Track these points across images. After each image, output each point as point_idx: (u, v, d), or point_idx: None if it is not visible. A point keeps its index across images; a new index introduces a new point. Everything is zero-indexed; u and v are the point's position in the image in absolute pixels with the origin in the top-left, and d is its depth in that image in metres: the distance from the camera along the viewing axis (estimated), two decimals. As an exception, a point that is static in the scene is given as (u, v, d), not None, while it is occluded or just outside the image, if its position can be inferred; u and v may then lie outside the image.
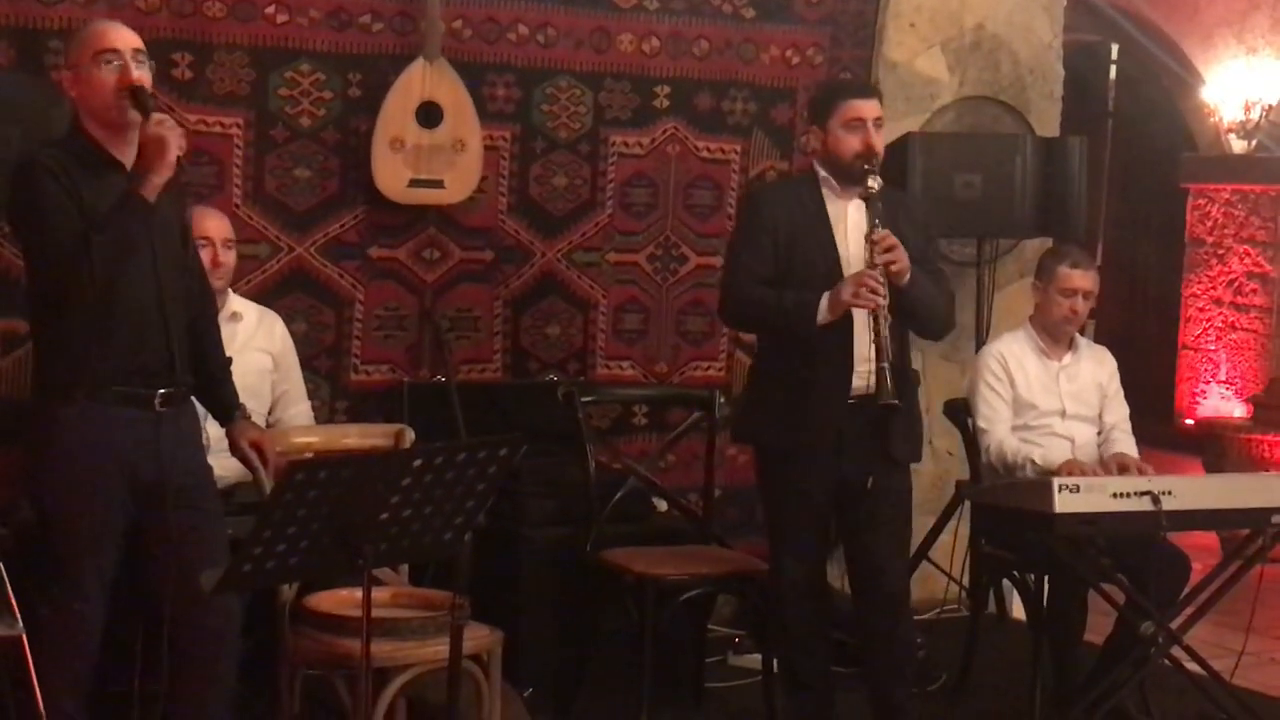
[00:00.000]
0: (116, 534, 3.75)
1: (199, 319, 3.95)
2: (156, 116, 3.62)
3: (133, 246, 3.62)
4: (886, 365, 4.25)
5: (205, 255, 4.34)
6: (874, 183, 4.31)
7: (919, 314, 4.44)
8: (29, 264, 3.82)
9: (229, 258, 4.67)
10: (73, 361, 3.70)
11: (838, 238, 4.43)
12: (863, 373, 4.36)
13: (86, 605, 3.73)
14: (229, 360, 4.06)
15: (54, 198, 3.62)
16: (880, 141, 4.44)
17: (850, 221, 4.43)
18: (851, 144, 4.38)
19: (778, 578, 4.60)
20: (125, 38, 3.74)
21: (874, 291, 4.23)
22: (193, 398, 3.92)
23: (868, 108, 4.41)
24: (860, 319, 4.35)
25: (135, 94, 3.65)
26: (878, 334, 4.26)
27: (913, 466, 4.67)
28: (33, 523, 3.92)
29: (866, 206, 4.33)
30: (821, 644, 4.63)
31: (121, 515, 3.75)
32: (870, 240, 4.28)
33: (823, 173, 4.48)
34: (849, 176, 4.39)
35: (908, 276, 4.31)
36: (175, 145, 3.59)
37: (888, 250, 4.26)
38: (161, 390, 3.74)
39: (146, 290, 3.70)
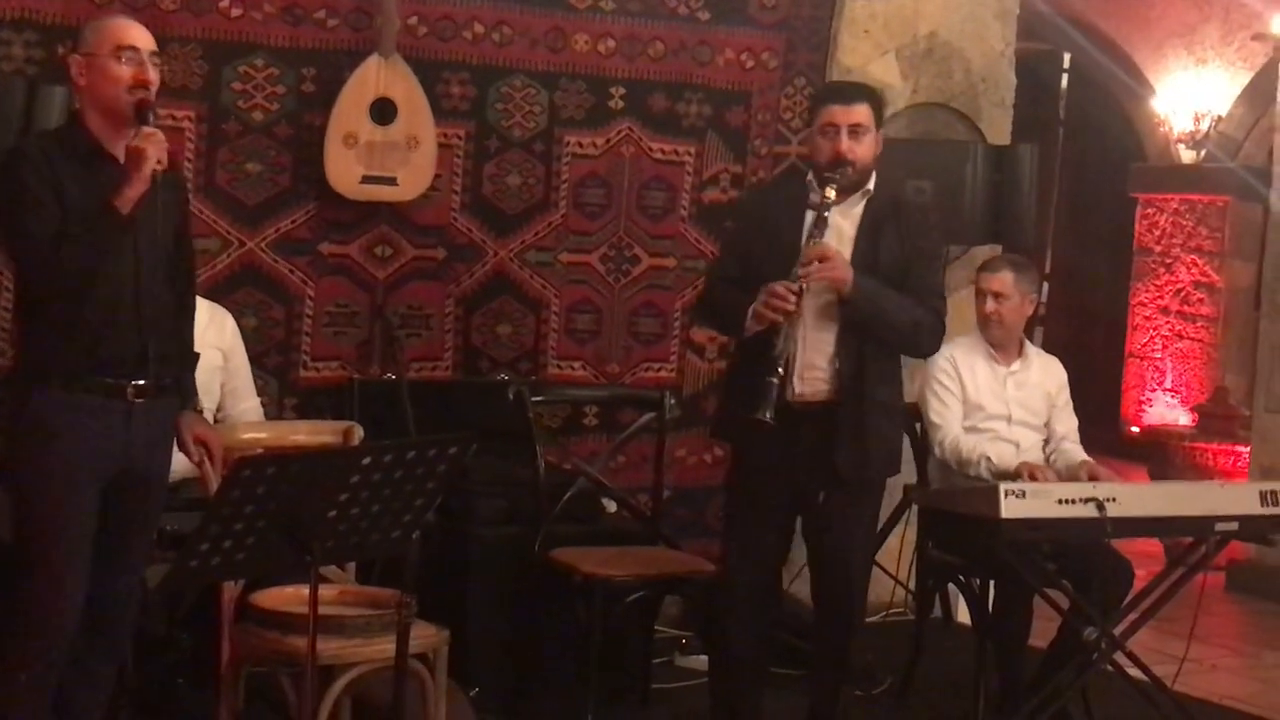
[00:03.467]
0: (87, 520, 3.74)
1: (177, 310, 3.94)
2: (145, 130, 3.64)
3: (102, 255, 3.63)
4: (775, 380, 4.17)
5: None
6: (829, 193, 4.26)
7: (871, 328, 4.33)
8: (8, 252, 3.86)
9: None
10: (49, 350, 3.72)
11: (803, 244, 4.33)
12: (809, 378, 4.33)
13: (61, 592, 3.71)
14: (196, 356, 4.06)
15: (32, 193, 3.63)
16: (862, 148, 4.33)
17: (830, 228, 4.31)
18: (824, 149, 4.35)
19: (726, 578, 4.57)
20: (145, 38, 3.78)
21: (780, 300, 4.17)
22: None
23: (844, 114, 4.33)
24: (810, 324, 4.31)
25: (139, 105, 3.67)
26: (773, 345, 4.19)
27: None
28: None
29: (814, 217, 4.29)
30: (760, 646, 4.57)
31: (92, 501, 3.75)
32: (804, 253, 4.23)
33: (809, 176, 4.45)
34: (820, 183, 4.33)
35: (847, 289, 4.26)
36: (153, 159, 3.60)
37: (812, 262, 4.20)
38: (136, 382, 3.74)
39: (124, 288, 3.71)
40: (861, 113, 4.35)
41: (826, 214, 4.26)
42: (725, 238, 4.58)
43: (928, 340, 4.52)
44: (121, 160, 3.68)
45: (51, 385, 3.71)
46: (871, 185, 4.44)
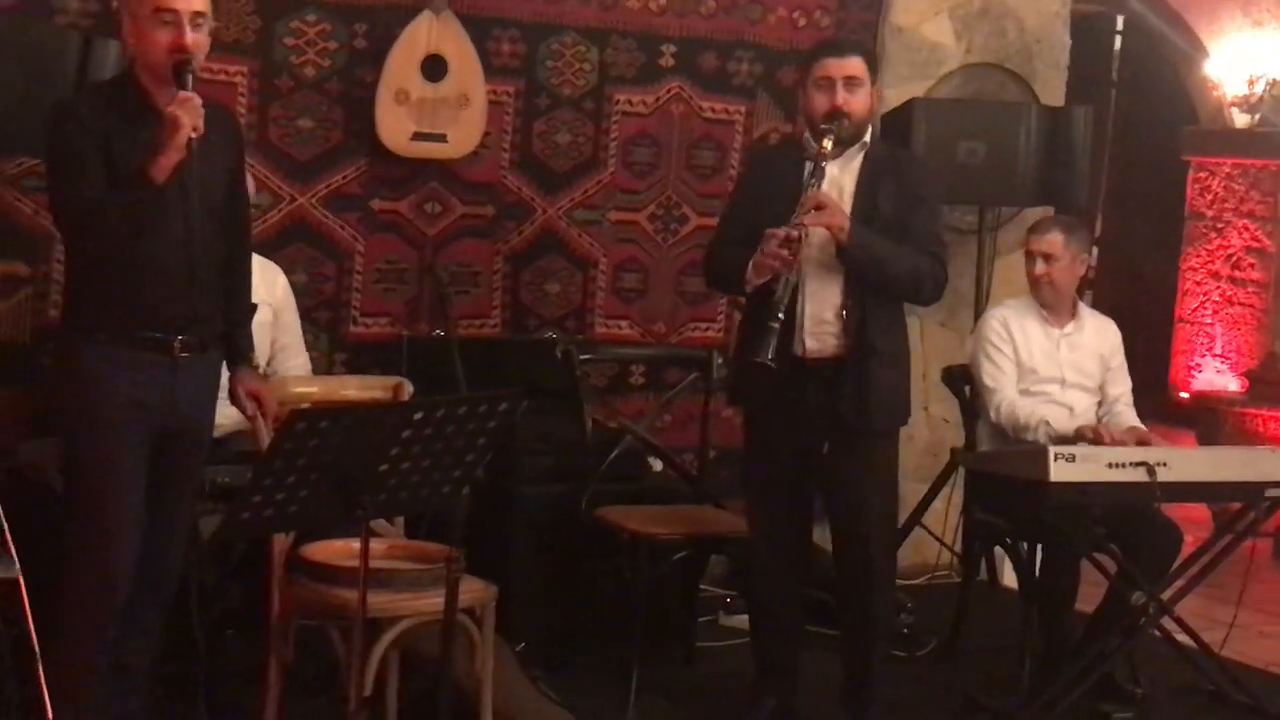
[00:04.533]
0: (136, 475, 3.75)
1: (231, 263, 3.93)
2: (181, 95, 3.59)
3: (141, 221, 3.61)
4: (775, 325, 4.18)
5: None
6: (826, 144, 4.27)
7: (871, 277, 4.33)
8: (54, 206, 3.81)
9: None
10: (96, 304, 3.72)
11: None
12: (818, 333, 4.34)
13: (114, 542, 3.72)
14: (253, 309, 4.06)
15: (77, 150, 3.62)
16: (857, 100, 4.34)
17: (827, 181, 4.33)
18: (820, 103, 4.35)
19: (751, 537, 4.63)
20: None
21: (781, 247, 4.19)
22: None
23: (838, 66, 4.34)
24: (814, 279, 4.32)
25: (177, 66, 3.63)
26: (778, 293, 4.21)
27: (906, 433, 4.64)
28: (36, 463, 3.94)
29: (811, 167, 4.30)
30: (792, 603, 4.62)
31: (139, 456, 3.76)
32: (800, 202, 4.26)
33: (805, 134, 4.46)
34: (817, 136, 4.35)
35: (844, 236, 4.25)
36: (188, 127, 3.55)
37: (812, 210, 4.22)
38: (181, 337, 3.74)
39: (175, 242, 3.68)
40: (855, 65, 4.37)
41: (824, 164, 4.28)
42: (729, 201, 4.60)
43: (930, 288, 4.50)
44: None
45: (98, 339, 3.71)
46: (869, 138, 4.46)
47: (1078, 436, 4.89)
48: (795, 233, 4.20)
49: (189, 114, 3.57)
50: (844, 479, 4.46)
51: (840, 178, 4.39)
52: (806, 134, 4.45)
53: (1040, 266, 5.13)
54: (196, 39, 3.68)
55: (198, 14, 3.70)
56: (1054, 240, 5.13)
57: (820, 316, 4.34)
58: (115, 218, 3.59)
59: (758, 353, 4.19)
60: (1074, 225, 5.31)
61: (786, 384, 4.33)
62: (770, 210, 4.35)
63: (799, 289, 4.31)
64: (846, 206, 4.34)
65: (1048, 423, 4.93)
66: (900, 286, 4.44)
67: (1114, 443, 4.87)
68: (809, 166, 4.35)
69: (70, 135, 3.63)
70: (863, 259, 4.30)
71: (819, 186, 4.27)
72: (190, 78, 3.63)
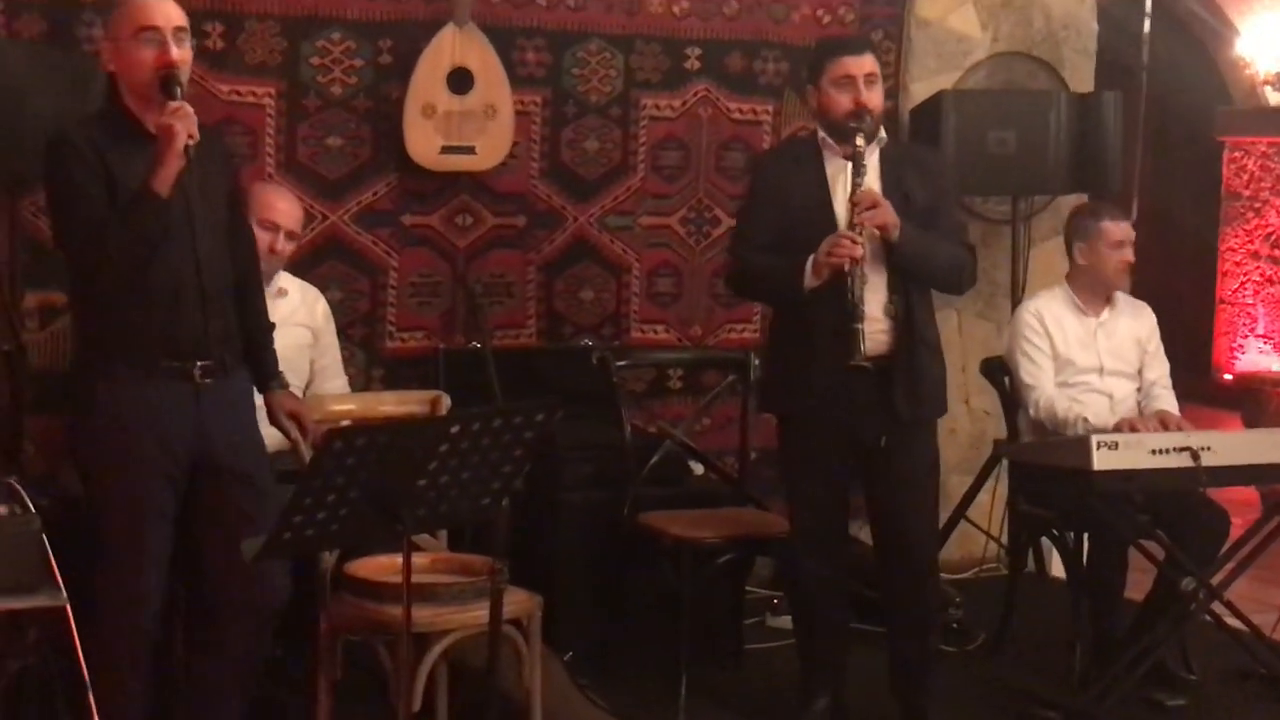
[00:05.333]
0: (165, 508, 3.73)
1: (243, 283, 3.92)
2: (171, 105, 3.57)
3: (150, 239, 3.59)
4: (860, 327, 4.21)
5: (264, 239, 4.32)
6: (860, 142, 4.29)
7: (919, 271, 4.40)
8: (55, 239, 3.81)
9: (288, 248, 4.65)
10: (110, 336, 3.69)
11: (835, 199, 4.39)
12: (871, 334, 4.33)
13: (139, 579, 3.70)
14: (272, 326, 4.05)
15: (79, 179, 3.60)
16: (875, 96, 4.38)
17: (847, 182, 4.36)
18: (842, 102, 4.36)
19: (794, 540, 4.63)
20: (167, 13, 3.69)
21: (848, 247, 4.21)
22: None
23: (857, 64, 4.36)
24: (868, 279, 4.31)
25: (164, 78, 3.62)
26: (852, 293, 4.22)
27: (949, 426, 4.65)
28: (77, 493, 3.94)
29: (852, 166, 4.31)
30: (838, 602, 4.63)
31: (168, 489, 3.73)
32: (851, 201, 4.27)
33: (821, 133, 4.46)
34: (841, 135, 4.36)
35: (896, 233, 4.28)
36: (183, 134, 3.54)
37: (868, 209, 4.24)
38: (201, 362, 3.72)
39: (184, 266, 3.67)
40: (872, 62, 4.42)
41: (863, 162, 4.30)
42: (743, 209, 4.61)
43: (968, 277, 4.60)
44: None
45: (116, 374, 3.68)
46: (883, 133, 4.48)
47: (1116, 431, 4.86)
48: (857, 233, 4.22)
49: (182, 122, 3.55)
50: (898, 471, 4.47)
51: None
52: (821, 134, 4.45)
53: (1130, 254, 5.12)
54: (181, 54, 3.67)
55: (179, 29, 3.70)
56: (1130, 226, 5.13)
57: (870, 315, 4.34)
58: (125, 237, 3.56)
59: (852, 356, 4.21)
60: None
61: (838, 384, 4.34)
62: (799, 211, 4.37)
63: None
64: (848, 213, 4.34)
65: (1086, 419, 4.90)
66: (944, 278, 4.51)
67: (1142, 430, 4.85)
68: (834, 167, 4.37)
69: (70, 165, 3.61)
70: (912, 254, 4.34)
71: (862, 183, 4.28)
72: (179, 89, 3.62)
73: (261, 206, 4.51)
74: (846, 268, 4.22)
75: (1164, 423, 4.92)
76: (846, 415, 4.40)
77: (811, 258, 4.27)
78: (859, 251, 4.22)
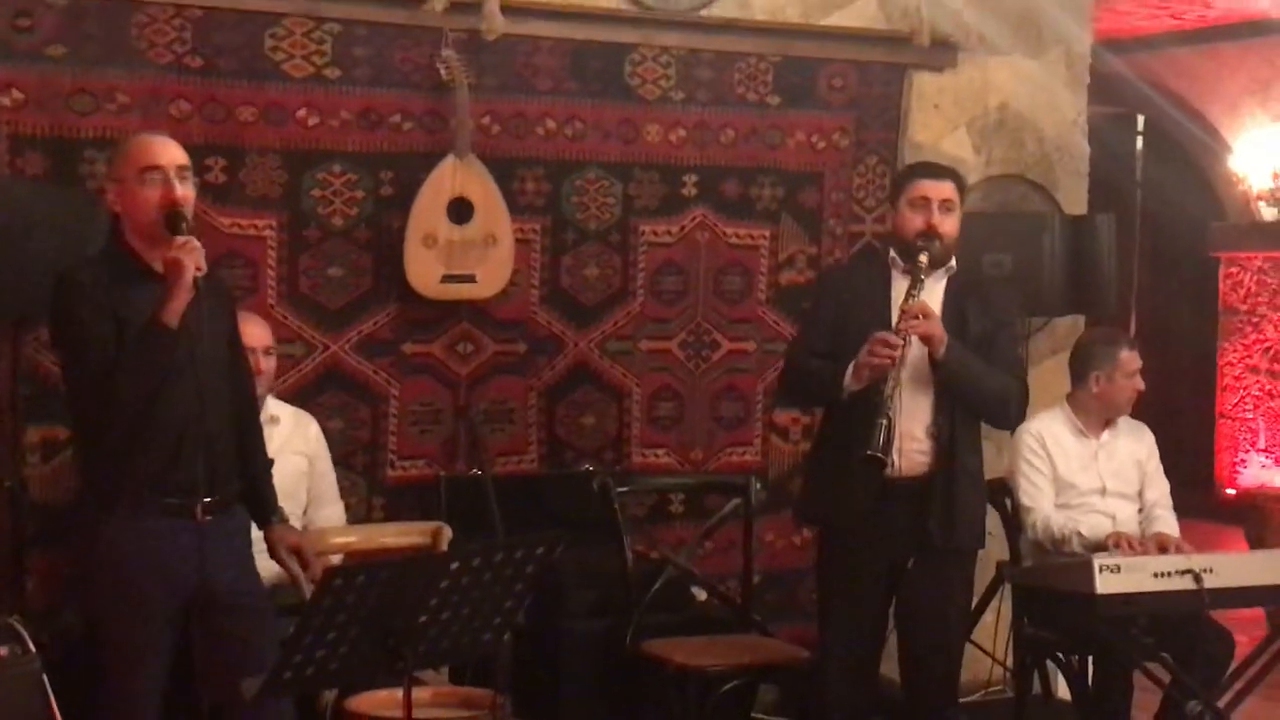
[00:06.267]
0: (164, 646, 3.74)
1: (243, 420, 3.95)
2: (178, 240, 3.62)
3: (159, 373, 3.63)
4: (884, 421, 4.22)
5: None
6: (923, 260, 4.35)
7: (963, 393, 4.42)
8: (65, 378, 3.84)
9: (269, 365, 4.71)
10: (114, 473, 3.71)
11: (894, 314, 4.42)
12: (908, 451, 4.36)
13: (137, 717, 3.70)
14: (270, 463, 4.07)
15: (87, 319, 3.64)
16: (950, 223, 4.44)
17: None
18: (914, 222, 4.43)
19: (823, 661, 4.59)
20: (171, 154, 3.76)
21: (886, 349, 4.23)
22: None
23: (934, 188, 4.45)
24: (906, 398, 4.35)
25: (169, 216, 3.67)
26: (884, 391, 4.25)
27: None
28: (78, 630, 3.94)
29: (911, 280, 4.35)
30: None
31: (168, 627, 3.74)
32: (901, 309, 4.32)
33: (891, 251, 4.53)
34: (909, 255, 4.42)
35: (942, 348, 4.31)
36: (191, 267, 3.59)
37: (916, 318, 4.28)
38: (204, 499, 3.73)
39: (187, 402, 3.69)
40: (949, 189, 4.49)
41: (923, 277, 4.35)
42: (806, 317, 4.66)
43: (1015, 410, 4.61)
44: None
45: (119, 512, 3.69)
46: (954, 263, 4.53)
47: (1107, 544, 4.86)
48: (898, 338, 4.26)
49: (190, 256, 3.59)
50: (927, 597, 4.47)
51: (928, 298, 4.43)
52: (891, 252, 4.52)
53: (1141, 382, 5.18)
54: (185, 192, 3.73)
55: (182, 168, 3.76)
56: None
57: (911, 434, 4.38)
58: (134, 371, 3.59)
59: (867, 445, 4.20)
60: None
61: (872, 501, 4.36)
62: (857, 323, 4.42)
63: (895, 407, 4.33)
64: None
65: (1079, 534, 4.93)
66: (990, 405, 4.52)
67: (1138, 551, 4.85)
68: (901, 282, 4.42)
69: (78, 304, 3.65)
70: (959, 373, 4.38)
71: (918, 297, 4.33)
72: (184, 225, 3.66)
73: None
74: (888, 366, 4.24)
75: (1162, 546, 4.92)
76: (880, 532, 4.40)
77: (852, 363, 4.32)
78: (896, 353, 4.24)
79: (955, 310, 4.47)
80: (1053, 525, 5.00)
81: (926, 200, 4.43)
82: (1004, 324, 4.59)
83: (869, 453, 4.21)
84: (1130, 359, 5.16)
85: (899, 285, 4.45)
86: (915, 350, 4.34)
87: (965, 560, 4.58)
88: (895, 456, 4.37)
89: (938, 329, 4.33)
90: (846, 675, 4.52)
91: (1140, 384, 5.19)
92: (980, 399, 4.47)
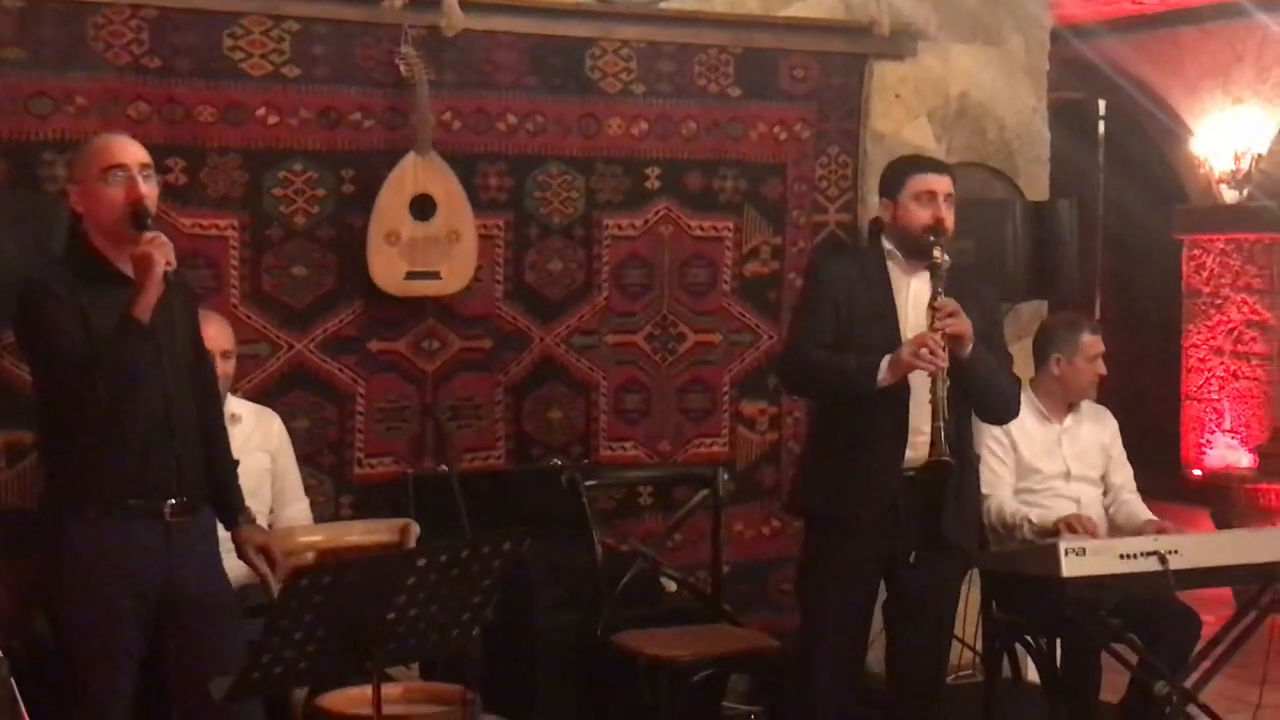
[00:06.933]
0: (133, 649, 3.74)
1: (208, 421, 3.95)
2: (146, 235, 3.62)
3: (134, 369, 3.63)
4: (942, 425, 4.23)
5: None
6: (939, 254, 4.34)
7: (979, 388, 4.44)
8: (36, 382, 3.83)
9: (228, 367, 4.69)
10: (82, 477, 3.70)
11: (899, 310, 4.44)
12: (918, 444, 4.35)
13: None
14: (236, 463, 4.07)
15: (57, 321, 3.63)
16: (951, 218, 4.46)
17: (912, 294, 4.44)
18: (922, 217, 4.42)
19: (812, 649, 4.54)
20: (133, 152, 3.76)
21: (933, 353, 4.23)
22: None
23: (940, 182, 4.47)
24: (917, 390, 4.35)
25: (134, 212, 3.67)
26: (934, 394, 4.25)
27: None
28: (46, 636, 3.93)
29: (931, 276, 4.35)
30: (842, 714, 4.57)
31: (137, 629, 3.73)
32: (933, 307, 4.30)
33: (889, 245, 4.52)
34: (915, 249, 4.41)
35: (970, 346, 4.32)
36: (161, 261, 3.59)
37: (950, 316, 4.27)
38: (171, 501, 3.73)
39: (154, 402, 3.69)
40: (950, 184, 4.52)
41: (942, 273, 4.34)
42: (807, 305, 4.58)
43: (1015, 408, 4.66)
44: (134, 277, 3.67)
45: (87, 513, 3.69)
46: (948, 258, 4.50)
47: (1057, 529, 4.89)
48: (940, 339, 4.24)
49: (159, 250, 3.60)
50: (926, 593, 4.48)
51: (921, 291, 4.43)
52: (888, 245, 4.51)
53: (1103, 367, 5.20)
54: (148, 189, 3.73)
55: (145, 165, 3.75)
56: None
57: (919, 427, 4.37)
58: (110, 368, 3.58)
59: (935, 450, 4.22)
60: None
61: (886, 492, 4.37)
62: (862, 318, 4.42)
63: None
64: (925, 319, 4.36)
65: (1029, 520, 4.97)
66: (998, 402, 4.56)
67: (1096, 532, 4.89)
68: (916, 280, 4.43)
69: (47, 307, 3.65)
70: (981, 372, 4.40)
71: (942, 292, 4.32)
72: (149, 221, 3.66)
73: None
74: (933, 369, 4.24)
75: (1160, 530, 4.96)
76: (890, 524, 4.40)
77: (889, 357, 4.29)
78: (942, 362, 4.23)
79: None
80: (1005, 511, 5.03)
81: (933, 194, 4.43)
82: (996, 322, 4.63)
83: (939, 458, 4.22)
84: (1092, 343, 5.19)
85: (898, 278, 4.46)
86: None
87: (962, 558, 4.61)
88: (907, 451, 4.38)
89: (968, 327, 4.31)
90: (835, 667, 4.51)
91: (1102, 368, 5.22)
92: (994, 396, 4.51)
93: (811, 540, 4.63)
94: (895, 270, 4.49)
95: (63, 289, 3.66)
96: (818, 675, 4.52)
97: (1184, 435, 10.82)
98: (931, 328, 4.27)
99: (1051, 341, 5.27)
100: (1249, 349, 10.48)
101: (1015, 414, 4.69)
